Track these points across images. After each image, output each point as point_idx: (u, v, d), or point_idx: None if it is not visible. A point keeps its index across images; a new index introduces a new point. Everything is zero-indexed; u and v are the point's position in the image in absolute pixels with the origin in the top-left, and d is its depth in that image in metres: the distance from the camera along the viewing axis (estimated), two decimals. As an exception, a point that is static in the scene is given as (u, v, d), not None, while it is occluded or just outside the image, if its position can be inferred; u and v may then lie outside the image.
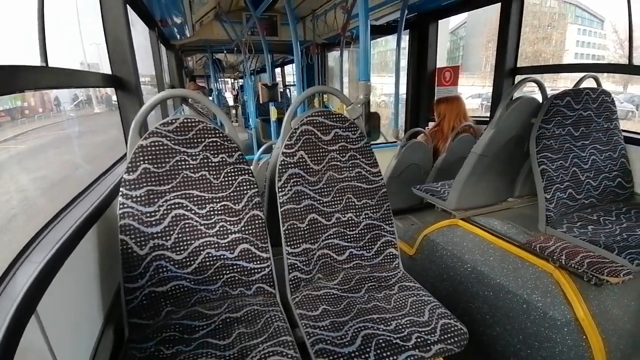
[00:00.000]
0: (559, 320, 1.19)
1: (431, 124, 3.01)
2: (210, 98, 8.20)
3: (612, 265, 1.15)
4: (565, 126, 1.51)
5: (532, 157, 1.48)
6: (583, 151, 1.55)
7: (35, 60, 1.07)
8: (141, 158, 1.06)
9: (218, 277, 1.13)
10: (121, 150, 1.62)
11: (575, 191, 1.52)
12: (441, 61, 3.39)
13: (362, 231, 1.32)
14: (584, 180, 1.54)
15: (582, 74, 1.70)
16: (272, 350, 0.90)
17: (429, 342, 0.95)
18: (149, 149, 1.06)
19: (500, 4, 2.39)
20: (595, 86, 1.66)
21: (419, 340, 0.95)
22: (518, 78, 2.43)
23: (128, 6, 1.62)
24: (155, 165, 1.07)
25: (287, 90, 8.11)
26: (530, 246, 1.37)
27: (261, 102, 4.65)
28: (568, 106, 1.51)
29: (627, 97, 13.64)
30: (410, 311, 1.06)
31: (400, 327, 1.00)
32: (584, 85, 1.65)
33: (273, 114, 4.52)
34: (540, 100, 1.63)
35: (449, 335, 0.97)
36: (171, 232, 1.08)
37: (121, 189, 1.03)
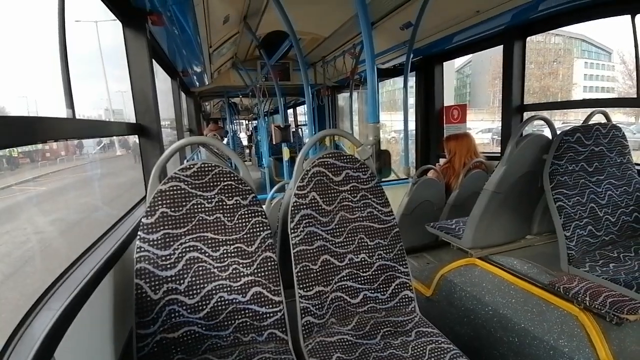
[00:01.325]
0: None
1: (442, 161, 3.03)
2: (226, 139, 8.50)
3: (631, 303, 1.11)
4: (578, 162, 1.51)
5: (547, 193, 1.46)
6: (599, 186, 1.53)
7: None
8: (160, 202, 1.09)
9: (230, 322, 1.11)
10: (138, 190, 1.68)
11: (595, 228, 1.47)
12: (449, 98, 3.49)
13: (376, 272, 1.30)
14: (603, 217, 1.50)
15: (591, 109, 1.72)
16: None
17: None
18: (168, 193, 1.10)
19: (502, 45, 2.49)
20: (605, 121, 1.67)
21: None
22: (526, 114, 2.47)
23: (154, 60, 1.76)
24: (173, 209, 1.10)
25: (299, 129, 8.37)
26: (554, 287, 1.31)
27: (274, 142, 4.80)
28: (579, 142, 1.52)
29: (639, 128, 13.49)
30: None
31: None
32: (593, 120, 1.66)
33: (285, 153, 4.64)
34: (550, 137, 1.64)
35: None
36: (185, 276, 1.08)
37: (139, 232, 1.06)
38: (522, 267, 1.51)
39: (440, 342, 1.07)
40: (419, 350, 1.05)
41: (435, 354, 1.03)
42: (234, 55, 4.32)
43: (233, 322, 1.11)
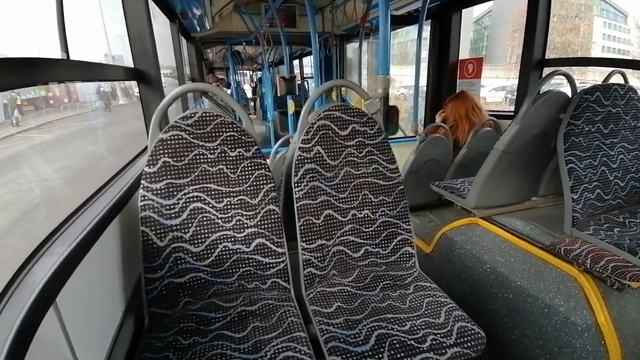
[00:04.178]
0: (580, 325, 1.15)
1: (438, 119, 2.93)
2: (229, 90, 8.27)
3: (634, 269, 1.11)
4: (595, 123, 1.44)
5: (560, 154, 1.41)
6: (612, 150, 1.47)
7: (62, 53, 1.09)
8: (161, 151, 1.07)
9: (234, 270, 1.14)
10: (142, 140, 1.65)
11: (603, 192, 1.45)
12: (464, 52, 3.28)
13: (378, 228, 1.31)
14: (612, 180, 1.47)
15: (609, 69, 1.62)
16: (286, 346, 0.90)
17: (444, 345, 0.93)
18: (169, 142, 1.08)
19: None
20: (623, 82, 1.58)
21: (434, 342, 0.93)
22: (546, 71, 2.33)
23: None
24: (175, 159, 1.09)
25: (305, 82, 8.08)
26: (555, 248, 1.32)
27: (279, 94, 4.65)
28: (597, 102, 1.44)
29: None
30: (426, 312, 1.04)
31: (415, 328, 0.98)
32: (611, 81, 1.57)
33: (290, 107, 4.51)
34: (569, 95, 1.55)
35: (466, 339, 0.95)
36: (189, 225, 1.09)
37: (142, 181, 1.06)
38: (524, 228, 1.51)
39: (437, 296, 1.11)
40: (416, 302, 1.09)
41: (432, 306, 1.06)
42: None
43: (237, 270, 1.14)
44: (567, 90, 1.59)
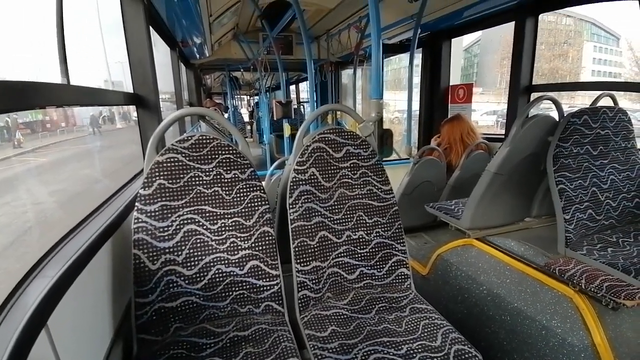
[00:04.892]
0: (577, 346, 1.14)
1: (433, 142, 2.99)
2: (227, 115, 8.40)
3: (628, 289, 1.12)
4: (583, 145, 1.48)
5: (550, 176, 1.44)
6: (602, 171, 1.51)
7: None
8: (157, 174, 1.08)
9: (227, 293, 1.12)
10: (138, 164, 1.66)
11: (595, 212, 1.47)
12: (455, 78, 3.40)
13: (373, 250, 1.30)
14: (604, 201, 1.49)
15: (599, 92, 1.68)
16: None
17: None
18: (165, 165, 1.09)
19: (514, 22, 2.39)
20: (612, 104, 1.63)
21: None
22: (533, 96, 2.41)
23: (151, 28, 1.70)
24: (170, 181, 1.09)
25: (301, 106, 8.25)
26: (550, 269, 1.32)
27: (275, 118, 4.74)
28: (585, 124, 1.48)
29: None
30: (422, 335, 1.02)
31: (412, 352, 0.96)
32: (600, 103, 1.63)
33: (286, 130, 4.59)
34: (557, 118, 1.60)
35: None
36: (183, 248, 1.09)
37: (137, 203, 1.06)
38: (519, 248, 1.51)
39: (433, 318, 1.09)
40: (412, 325, 1.07)
41: (429, 329, 1.05)
42: (235, 26, 4.18)
43: (230, 293, 1.12)
44: (555, 114, 1.64)
